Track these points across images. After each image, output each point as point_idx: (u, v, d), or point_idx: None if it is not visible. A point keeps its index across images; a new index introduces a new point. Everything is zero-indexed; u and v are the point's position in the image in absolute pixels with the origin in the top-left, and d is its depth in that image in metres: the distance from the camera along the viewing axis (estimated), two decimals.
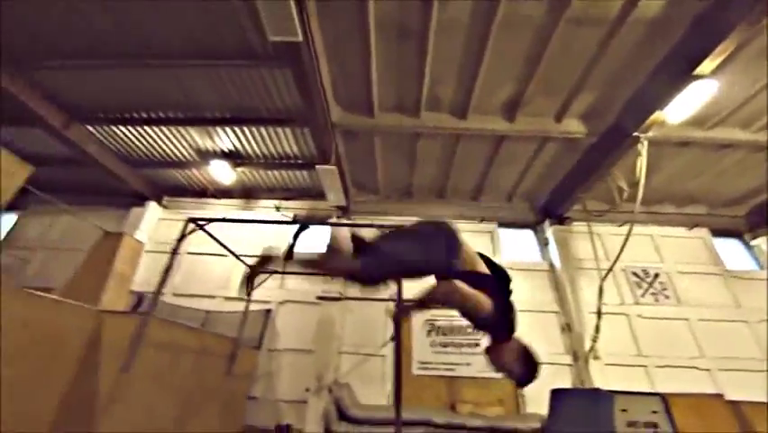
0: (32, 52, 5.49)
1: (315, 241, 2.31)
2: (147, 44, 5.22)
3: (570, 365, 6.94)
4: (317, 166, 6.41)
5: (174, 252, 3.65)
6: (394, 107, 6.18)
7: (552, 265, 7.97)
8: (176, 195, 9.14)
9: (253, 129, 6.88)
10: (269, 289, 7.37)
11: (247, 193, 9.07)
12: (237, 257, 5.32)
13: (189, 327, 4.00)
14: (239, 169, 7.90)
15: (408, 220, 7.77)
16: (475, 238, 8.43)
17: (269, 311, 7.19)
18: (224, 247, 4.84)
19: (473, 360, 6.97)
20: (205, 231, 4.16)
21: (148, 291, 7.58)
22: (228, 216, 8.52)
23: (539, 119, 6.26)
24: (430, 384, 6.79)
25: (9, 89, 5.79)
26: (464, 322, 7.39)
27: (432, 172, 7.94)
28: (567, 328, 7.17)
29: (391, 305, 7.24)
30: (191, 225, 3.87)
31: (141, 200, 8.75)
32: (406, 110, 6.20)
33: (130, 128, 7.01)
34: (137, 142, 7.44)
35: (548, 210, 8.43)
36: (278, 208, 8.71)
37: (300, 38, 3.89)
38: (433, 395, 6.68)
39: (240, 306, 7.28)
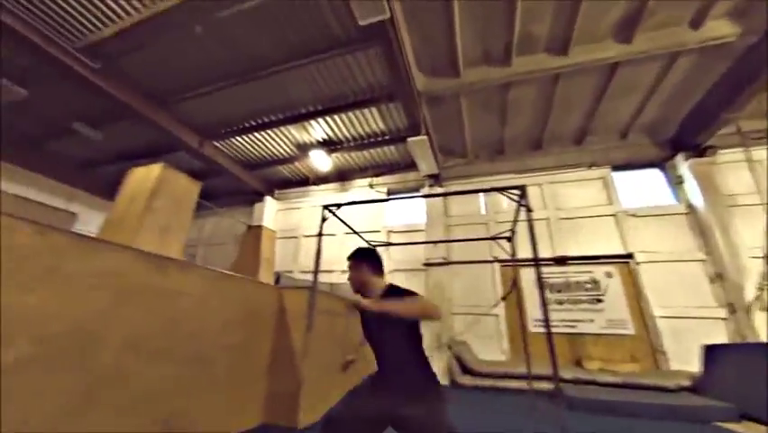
0: (170, 91, 6.76)
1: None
2: (252, 59, 5.91)
3: (724, 319, 5.98)
4: (408, 139, 6.53)
5: (320, 234, 4.26)
6: (480, 60, 5.80)
7: (691, 207, 6.74)
8: (284, 187, 10.46)
9: (343, 115, 7.31)
10: None
11: (342, 176, 9.83)
12: (360, 235, 5.95)
13: (335, 294, 4.72)
14: (334, 154, 8.57)
15: (502, 180, 7.47)
16: (583, 189, 7.63)
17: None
18: (351, 228, 5.41)
19: (595, 316, 6.59)
20: (335, 216, 4.72)
21: (283, 270, 9.10)
22: (352, 200, 9.41)
23: (667, 31, 5.12)
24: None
25: (160, 123, 7.31)
26: (581, 278, 7.06)
27: (525, 122, 7.32)
28: (718, 278, 6.12)
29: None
30: (324, 214, 4.39)
31: (259, 197, 10.30)
32: (495, 60, 5.75)
33: (244, 137, 8.19)
34: (251, 148, 8.67)
35: (680, 142, 7.02)
36: (371, 186, 9.25)
37: (388, 14, 3.92)
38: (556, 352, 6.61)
39: None
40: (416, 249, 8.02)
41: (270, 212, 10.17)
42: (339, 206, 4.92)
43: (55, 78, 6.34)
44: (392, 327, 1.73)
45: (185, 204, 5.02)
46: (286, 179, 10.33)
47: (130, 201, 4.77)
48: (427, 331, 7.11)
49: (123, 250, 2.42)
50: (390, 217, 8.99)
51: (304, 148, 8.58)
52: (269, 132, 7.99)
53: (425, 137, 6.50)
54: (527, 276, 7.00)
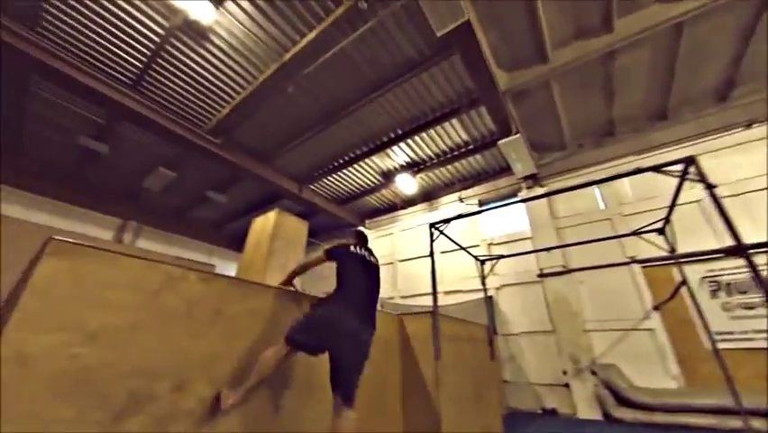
0: (271, 148, 7.75)
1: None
2: (335, 102, 6.40)
3: None
4: (500, 142, 6.07)
5: (431, 255, 4.10)
6: (572, 36, 5.13)
7: None
8: (374, 216, 10.80)
9: (423, 135, 7.27)
10: (476, 276, 7.49)
11: (428, 195, 9.69)
12: (467, 251, 5.64)
13: (458, 318, 4.39)
14: (419, 175, 8.53)
15: (617, 166, 6.26)
16: (745, 155, 5.85)
17: (490, 297, 7.25)
18: (460, 246, 5.16)
19: None
20: (443, 234, 4.55)
21: (384, 297, 9.16)
22: (464, 212, 9.30)
23: None
24: (741, 360, 5.02)
25: (267, 177, 8.37)
26: None
27: (640, 92, 6.11)
28: None
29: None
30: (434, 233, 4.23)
31: (351, 228, 10.81)
32: (591, 31, 5.01)
33: (334, 175, 8.81)
34: (340, 184, 9.27)
35: None
36: (461, 199, 8.84)
37: (467, 16, 3.75)
38: (750, 373, 4.90)
39: (456, 299, 7.76)
40: (526, 260, 7.17)
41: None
42: (447, 221, 4.71)
43: (194, 159, 7.89)
44: (377, 278, 2.65)
45: (297, 243, 5.48)
46: (375, 208, 10.68)
47: (255, 247, 5.37)
48: (560, 355, 6.11)
49: (268, 289, 2.60)
50: (488, 229, 8.35)
51: (388, 175, 8.77)
52: (354, 166, 8.43)
53: (518, 135, 5.95)
54: (691, 275, 5.50)
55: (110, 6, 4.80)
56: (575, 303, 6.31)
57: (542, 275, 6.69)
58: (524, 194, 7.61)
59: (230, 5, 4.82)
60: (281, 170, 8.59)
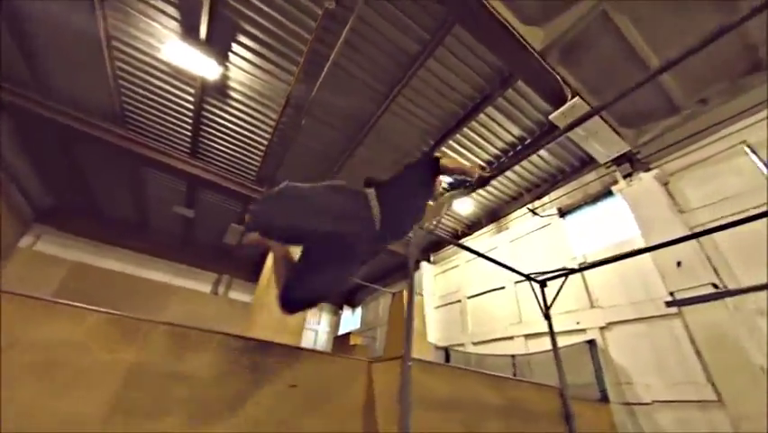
0: None
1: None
2: (349, 122, 6.05)
3: None
4: (551, 116, 4.47)
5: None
6: None
7: None
8: (437, 249, 9.49)
9: (460, 138, 6.11)
10: (569, 312, 5.29)
11: (493, 214, 8.00)
12: (517, 271, 4.02)
13: (477, 372, 2.81)
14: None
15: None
16: None
17: (591, 342, 4.89)
18: (502, 265, 3.71)
19: None
20: (477, 253, 3.26)
21: (452, 344, 7.45)
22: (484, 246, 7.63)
23: None
24: None
25: None
26: None
27: None
28: None
29: None
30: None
31: (416, 265, 9.67)
32: None
33: None
34: None
35: None
36: (533, 211, 6.87)
37: None
38: None
39: (544, 344, 5.57)
40: (644, 282, 4.71)
41: (429, 277, 9.19)
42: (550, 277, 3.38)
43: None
44: None
45: None
46: (436, 242, 9.41)
47: (267, 283, 5.02)
48: None
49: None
50: (579, 243, 6.08)
51: (437, 197, 7.63)
52: None
53: (575, 100, 4.27)
54: None
55: (153, 84, 5.77)
56: (755, 352, 3.55)
57: (673, 303, 4.15)
58: (621, 186, 5.32)
59: (233, 58, 5.20)
60: None
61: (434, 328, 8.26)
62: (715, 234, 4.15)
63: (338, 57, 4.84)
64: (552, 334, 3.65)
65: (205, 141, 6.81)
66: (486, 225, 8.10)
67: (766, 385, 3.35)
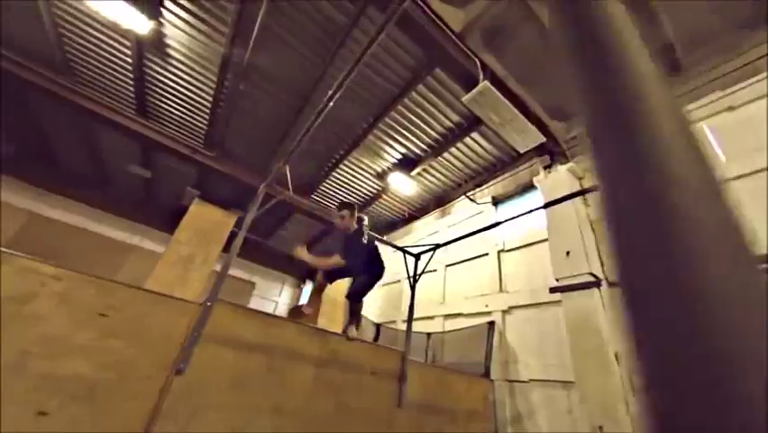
0: (264, 159, 7.81)
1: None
2: (287, 91, 6.05)
3: None
4: (464, 98, 4.52)
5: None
6: None
7: None
8: (391, 230, 9.63)
9: (398, 118, 6.14)
10: (483, 295, 5.49)
11: (440, 201, 8.11)
12: (392, 245, 4.16)
13: (305, 325, 2.97)
14: (416, 172, 7.22)
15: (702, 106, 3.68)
16: None
17: (491, 324, 5.11)
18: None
19: None
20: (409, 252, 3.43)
21: (386, 321, 7.71)
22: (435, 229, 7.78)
23: None
24: None
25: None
26: None
27: None
28: None
29: None
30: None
31: None
32: None
33: (330, 182, 8.25)
34: (340, 192, 8.58)
35: None
36: (470, 199, 6.99)
37: None
38: None
39: (461, 323, 5.80)
40: (543, 268, 4.89)
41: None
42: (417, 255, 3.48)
43: (209, 176, 8.62)
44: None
45: (215, 236, 5.06)
46: (391, 222, 9.55)
47: (184, 239, 5.13)
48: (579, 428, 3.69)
49: None
50: (502, 230, 6.22)
51: (383, 176, 7.72)
52: (345, 169, 7.73)
53: (484, 84, 4.30)
54: None
55: (91, 35, 5.72)
56: (612, 338, 3.75)
57: (556, 289, 4.32)
58: (540, 178, 5.42)
59: (167, 14, 5.15)
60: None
61: (374, 306, 8.51)
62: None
63: (266, 19, 4.81)
64: (411, 307, 3.87)
65: (152, 100, 6.81)
66: (433, 210, 8.23)
67: (617, 370, 3.56)
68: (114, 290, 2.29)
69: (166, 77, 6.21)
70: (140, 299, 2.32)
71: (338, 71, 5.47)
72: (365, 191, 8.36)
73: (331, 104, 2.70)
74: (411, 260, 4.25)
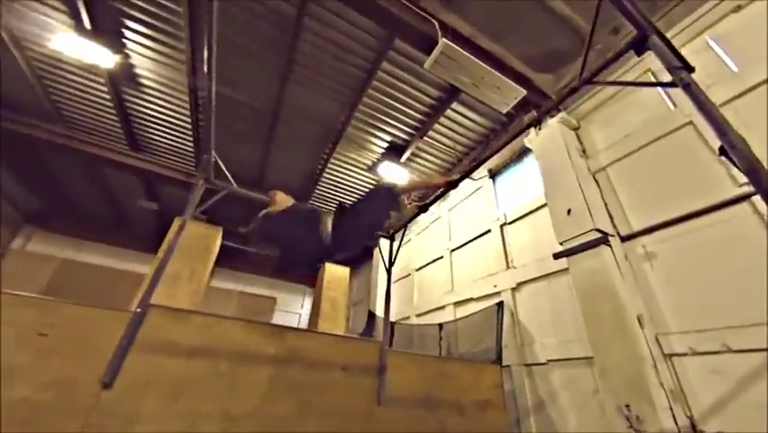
0: (257, 170, 7.80)
1: None
2: (251, 89, 5.96)
3: None
4: (426, 64, 4.18)
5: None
6: None
7: None
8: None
9: (372, 102, 5.87)
10: (490, 275, 5.06)
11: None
12: (369, 228, 3.86)
13: (253, 321, 2.72)
14: (404, 159, 6.89)
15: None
16: None
17: (500, 305, 4.63)
18: None
19: None
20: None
21: (400, 318, 7.37)
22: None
23: None
24: None
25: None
26: None
27: None
28: None
29: None
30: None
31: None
32: None
33: (323, 186, 8.10)
34: (336, 194, 8.40)
35: None
36: (469, 177, 6.51)
37: None
38: None
39: (472, 308, 5.35)
40: (546, 237, 4.36)
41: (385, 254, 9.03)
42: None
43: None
44: None
45: (200, 250, 4.98)
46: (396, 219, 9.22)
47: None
48: (606, 408, 3.18)
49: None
50: (503, 202, 5.73)
51: (374, 168, 7.44)
52: (335, 167, 7.55)
53: (443, 42, 3.94)
54: None
55: (69, 78, 5.96)
56: (632, 299, 3.20)
57: (560, 255, 3.80)
58: (531, 138, 4.90)
59: (130, 45, 5.25)
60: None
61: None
62: (614, 179, 3.80)
63: (219, 27, 4.74)
64: (387, 292, 3.57)
65: (140, 132, 7.01)
66: (432, 195, 7.80)
67: (637, 339, 3.02)
68: (53, 309, 2.19)
69: (145, 107, 6.35)
70: (77, 314, 2.20)
71: (302, 67, 5.35)
72: (360, 188, 8.11)
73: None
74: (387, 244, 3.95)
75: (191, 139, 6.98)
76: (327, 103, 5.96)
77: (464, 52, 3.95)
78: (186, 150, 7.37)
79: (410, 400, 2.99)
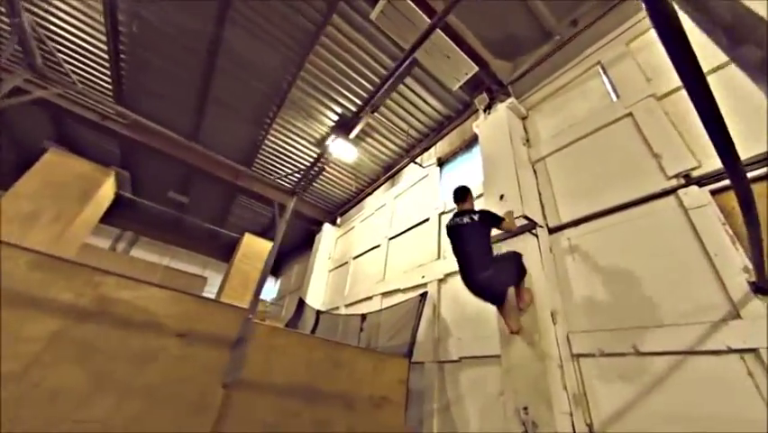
0: (190, 124, 6.90)
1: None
2: (188, 35, 5.17)
3: None
4: (372, 14, 3.70)
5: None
6: None
7: None
8: (344, 209, 8.75)
9: (320, 62, 5.31)
10: (421, 265, 4.67)
11: (389, 171, 7.27)
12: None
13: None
14: (353, 135, 6.37)
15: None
16: None
17: (423, 296, 4.23)
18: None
19: None
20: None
21: (331, 307, 6.81)
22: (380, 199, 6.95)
23: None
24: None
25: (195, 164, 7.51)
26: None
27: None
28: None
29: None
30: None
31: (319, 227, 8.92)
32: None
33: (266, 154, 7.36)
34: (278, 165, 7.66)
35: None
36: (417, 163, 6.15)
37: None
38: None
39: (398, 299, 4.91)
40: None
41: (329, 240, 8.47)
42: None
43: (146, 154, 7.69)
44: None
45: (75, 192, 4.09)
46: (344, 200, 8.68)
47: None
48: (507, 411, 2.80)
49: None
50: (446, 191, 5.41)
51: (322, 143, 6.86)
52: (278, 135, 6.86)
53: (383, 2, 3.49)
54: None
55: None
56: (549, 293, 2.91)
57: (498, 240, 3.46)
58: (479, 122, 4.61)
59: None
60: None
61: (324, 292, 7.60)
62: (551, 169, 3.52)
63: None
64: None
65: (49, 56, 5.87)
66: (383, 181, 7.38)
67: (553, 332, 2.71)
68: None
69: (54, 23, 5.30)
70: None
71: (244, 4, 4.68)
72: (305, 161, 7.43)
73: None
74: None
75: (107, 72, 5.96)
76: (272, 55, 5.31)
77: (415, 7, 3.52)
78: (102, 85, 6.30)
79: (282, 388, 2.44)
